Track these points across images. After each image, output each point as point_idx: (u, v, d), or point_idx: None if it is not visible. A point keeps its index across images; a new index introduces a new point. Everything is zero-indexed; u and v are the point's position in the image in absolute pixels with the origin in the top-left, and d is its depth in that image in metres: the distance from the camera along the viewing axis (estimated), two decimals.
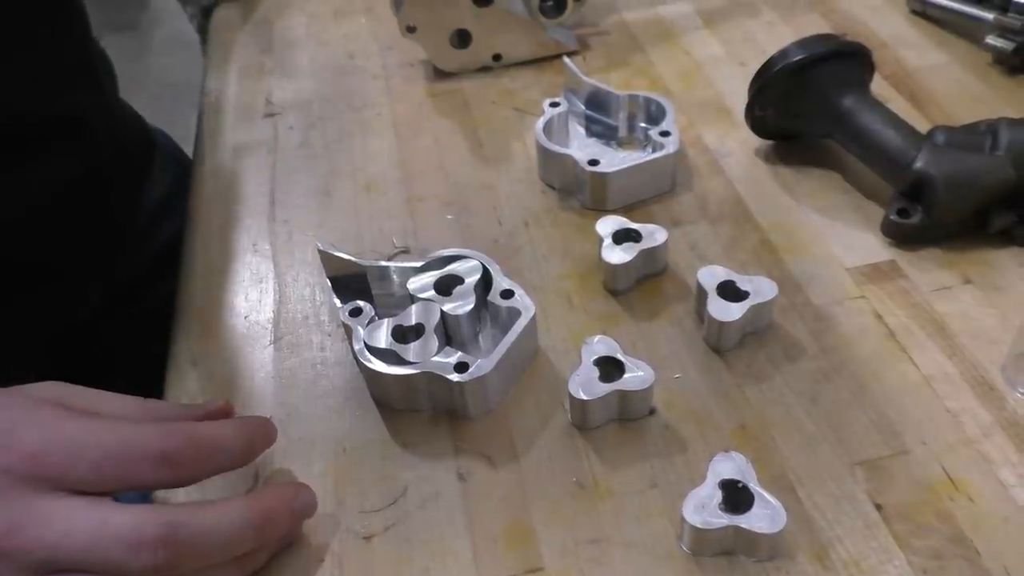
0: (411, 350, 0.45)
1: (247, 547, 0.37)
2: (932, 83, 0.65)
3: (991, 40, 0.65)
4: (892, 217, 0.52)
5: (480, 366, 0.44)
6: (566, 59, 0.64)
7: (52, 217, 0.58)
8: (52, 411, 0.37)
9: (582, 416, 0.44)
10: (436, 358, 0.45)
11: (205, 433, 0.38)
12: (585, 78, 0.62)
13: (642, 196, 0.58)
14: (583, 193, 0.57)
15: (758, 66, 0.57)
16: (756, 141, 0.61)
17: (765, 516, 0.38)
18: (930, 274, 0.51)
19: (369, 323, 0.47)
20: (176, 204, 0.69)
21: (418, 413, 0.46)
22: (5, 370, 0.40)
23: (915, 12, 0.72)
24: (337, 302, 0.50)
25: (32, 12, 0.55)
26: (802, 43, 0.55)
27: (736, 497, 0.39)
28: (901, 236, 0.52)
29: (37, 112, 0.56)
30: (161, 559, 0.34)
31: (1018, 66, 0.64)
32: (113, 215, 0.65)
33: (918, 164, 0.51)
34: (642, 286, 0.52)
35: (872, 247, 0.53)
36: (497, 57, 0.71)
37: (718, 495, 0.39)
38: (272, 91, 0.71)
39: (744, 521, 0.38)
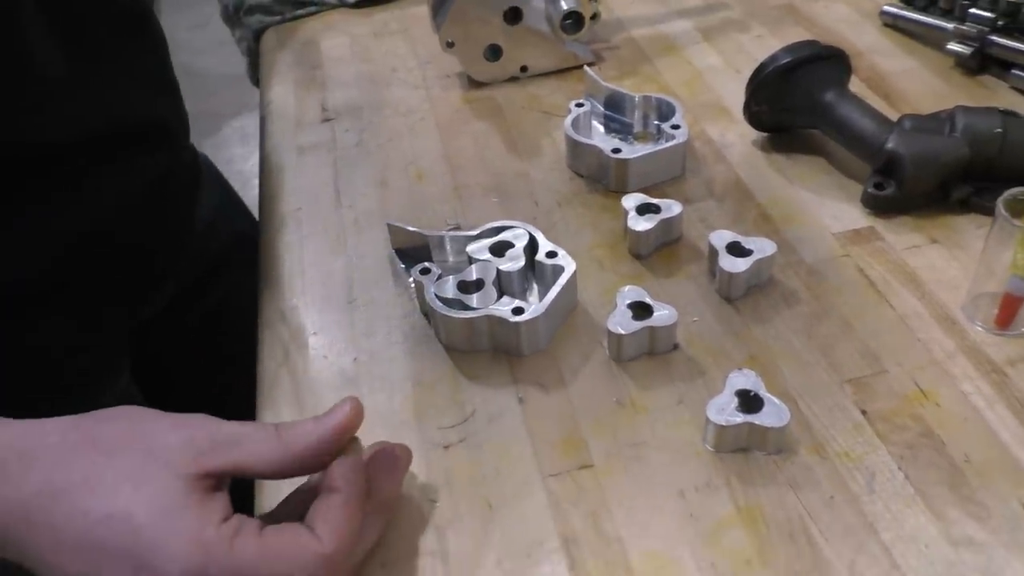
0: (475, 299, 0.55)
1: None
2: (903, 84, 0.75)
3: (952, 46, 0.75)
4: (869, 190, 0.62)
5: (535, 309, 0.53)
6: (587, 68, 0.74)
7: (135, 216, 0.65)
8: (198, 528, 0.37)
9: (618, 350, 0.54)
10: (495, 306, 0.55)
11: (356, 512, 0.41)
12: (605, 83, 0.72)
13: (657, 180, 0.67)
14: (607, 178, 0.67)
15: (751, 73, 0.67)
16: (753, 134, 0.71)
17: (773, 414, 0.47)
18: (903, 236, 0.61)
19: (437, 280, 0.56)
20: (222, 222, 0.77)
21: (479, 353, 0.55)
22: (89, 361, 0.46)
23: (887, 25, 0.83)
24: (403, 268, 0.60)
25: (118, 29, 0.62)
26: (789, 48, 0.65)
27: (749, 402, 0.48)
28: (877, 206, 0.62)
29: (126, 119, 0.63)
30: None
31: (975, 68, 0.75)
32: (169, 225, 0.72)
33: (889, 145, 0.60)
34: (661, 252, 0.62)
35: (854, 216, 0.63)
36: (524, 68, 0.81)
37: (734, 401, 0.48)
38: (326, 100, 0.81)
39: (756, 419, 0.47)
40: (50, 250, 0.60)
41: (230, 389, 0.53)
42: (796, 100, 0.66)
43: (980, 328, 0.54)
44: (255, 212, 0.76)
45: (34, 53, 0.53)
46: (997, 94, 0.73)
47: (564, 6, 0.79)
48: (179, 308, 0.74)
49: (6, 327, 0.59)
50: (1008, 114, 0.61)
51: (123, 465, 0.38)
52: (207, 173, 0.81)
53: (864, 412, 0.50)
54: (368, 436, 0.51)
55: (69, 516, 0.37)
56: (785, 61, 0.65)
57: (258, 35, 0.95)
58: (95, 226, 0.62)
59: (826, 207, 0.64)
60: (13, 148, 0.54)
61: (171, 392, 0.78)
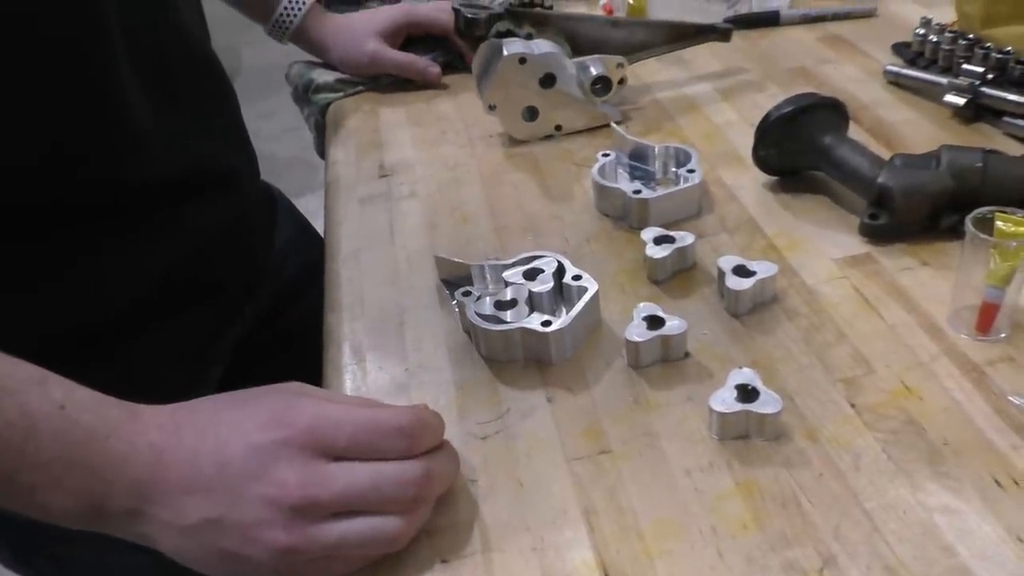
0: (509, 315, 0.63)
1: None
2: (903, 133, 0.83)
3: (948, 98, 0.83)
4: (865, 220, 0.69)
5: (562, 321, 0.61)
6: (614, 124, 0.83)
7: (215, 248, 0.76)
8: (310, 398, 0.50)
9: (635, 357, 0.61)
10: (527, 320, 0.62)
11: (425, 414, 0.51)
12: (629, 136, 0.80)
13: (675, 217, 0.75)
14: (630, 217, 0.75)
15: None
16: (763, 178, 0.79)
17: (768, 402, 0.54)
18: (896, 260, 0.67)
19: (477, 300, 0.65)
20: (295, 252, 0.88)
21: (514, 362, 0.63)
22: (172, 389, 0.56)
23: (891, 82, 0.91)
24: (448, 294, 0.68)
25: (197, 86, 0.74)
26: (792, 99, 0.74)
27: (747, 394, 0.55)
28: (873, 234, 0.69)
29: (205, 164, 0.74)
30: (422, 491, 0.49)
31: (970, 117, 0.82)
32: (248, 258, 0.83)
33: (881, 179, 0.68)
34: (677, 278, 0.69)
35: (852, 244, 0.70)
36: (558, 127, 0.91)
37: (735, 393, 0.55)
38: (384, 159, 0.91)
39: (753, 407, 0.54)
40: (138, 286, 0.69)
41: None
42: (799, 143, 0.74)
43: (964, 337, 0.60)
44: None
45: (131, 104, 0.64)
46: (992, 140, 0.80)
47: (594, 72, 0.89)
48: (255, 330, 0.84)
49: (95, 360, 0.67)
50: (990, 151, 0.68)
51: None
52: (281, 208, 0.92)
53: (853, 405, 0.56)
54: None
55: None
56: (788, 109, 0.73)
57: (324, 111, 1.07)
58: (180, 262, 0.72)
59: (827, 237, 0.71)
60: (112, 187, 0.65)
61: None
